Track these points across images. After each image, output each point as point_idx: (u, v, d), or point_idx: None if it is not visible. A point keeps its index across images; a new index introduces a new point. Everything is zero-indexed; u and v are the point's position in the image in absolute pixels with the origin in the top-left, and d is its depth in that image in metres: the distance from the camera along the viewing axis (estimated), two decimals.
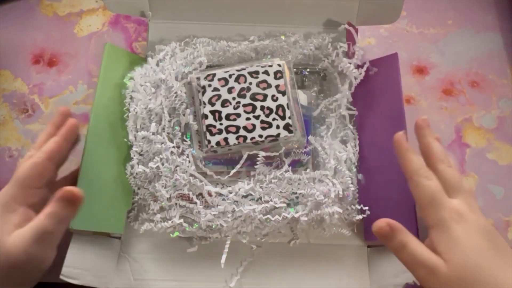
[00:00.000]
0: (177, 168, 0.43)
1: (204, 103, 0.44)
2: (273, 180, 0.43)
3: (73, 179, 0.41)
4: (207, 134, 0.43)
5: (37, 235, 0.34)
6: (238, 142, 0.43)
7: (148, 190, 0.44)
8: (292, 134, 0.43)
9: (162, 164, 0.42)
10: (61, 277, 0.39)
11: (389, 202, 0.43)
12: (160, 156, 0.43)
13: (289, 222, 0.43)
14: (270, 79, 0.44)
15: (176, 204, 0.42)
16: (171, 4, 0.51)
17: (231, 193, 0.43)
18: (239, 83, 0.44)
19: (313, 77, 0.51)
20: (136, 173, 0.43)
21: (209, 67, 0.48)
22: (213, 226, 0.42)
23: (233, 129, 0.43)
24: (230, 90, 0.44)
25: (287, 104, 0.44)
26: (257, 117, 0.43)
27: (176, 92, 0.45)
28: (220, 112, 0.44)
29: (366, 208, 0.42)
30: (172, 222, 0.41)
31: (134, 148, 0.44)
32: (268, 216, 0.41)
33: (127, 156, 0.45)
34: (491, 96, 0.55)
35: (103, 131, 0.44)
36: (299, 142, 0.44)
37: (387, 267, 0.43)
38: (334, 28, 0.51)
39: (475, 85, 0.55)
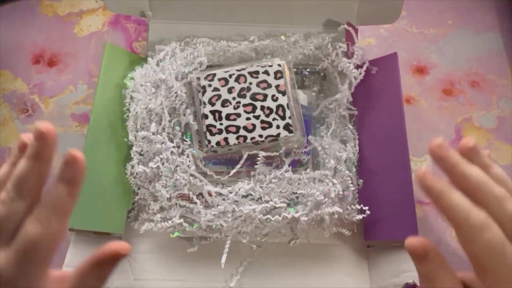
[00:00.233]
0: (177, 168, 0.43)
1: (204, 103, 0.44)
2: (273, 180, 0.43)
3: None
4: (207, 134, 0.43)
5: None
6: (238, 142, 0.43)
7: (148, 190, 0.44)
8: (292, 134, 0.43)
9: (162, 164, 0.42)
10: None
11: (389, 202, 0.43)
12: (160, 156, 0.43)
13: (289, 222, 0.43)
14: (270, 79, 0.44)
15: (176, 204, 0.42)
16: (171, 4, 0.51)
17: (231, 193, 0.43)
18: (239, 83, 0.44)
19: (313, 77, 0.51)
20: (136, 173, 0.43)
21: (209, 67, 0.48)
22: (213, 226, 0.42)
23: (233, 129, 0.43)
24: (230, 90, 0.44)
25: (287, 104, 0.44)
26: (257, 117, 0.43)
27: (176, 92, 0.45)
28: (220, 112, 0.44)
29: (366, 208, 0.42)
30: (172, 222, 0.41)
31: (134, 148, 0.44)
32: (268, 216, 0.41)
33: (127, 156, 0.45)
34: (491, 96, 0.55)
35: (103, 131, 0.44)
36: (299, 142, 0.44)
37: (387, 267, 0.43)
38: (334, 28, 0.51)
39: (475, 85, 0.55)
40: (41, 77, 0.54)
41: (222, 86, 0.44)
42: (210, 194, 0.43)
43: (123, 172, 0.44)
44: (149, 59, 0.49)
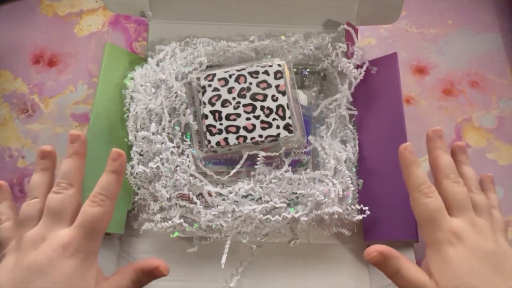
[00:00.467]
0: (177, 168, 0.43)
1: (204, 103, 0.44)
2: (273, 180, 0.43)
3: None
4: (207, 134, 0.43)
5: None
6: (238, 142, 0.43)
7: (148, 190, 0.44)
8: (292, 134, 0.43)
9: (162, 164, 0.42)
10: None
11: (389, 202, 0.43)
12: (160, 156, 0.43)
13: (289, 222, 0.43)
14: (270, 79, 0.44)
15: (176, 204, 0.42)
16: (171, 4, 0.51)
17: (231, 193, 0.43)
18: (239, 83, 0.44)
19: (313, 77, 0.51)
20: (136, 173, 0.43)
21: (209, 67, 0.48)
22: (213, 226, 0.42)
23: (233, 129, 0.43)
24: (230, 90, 0.44)
25: (287, 104, 0.44)
26: (257, 117, 0.43)
27: (176, 92, 0.45)
28: (220, 112, 0.44)
29: (366, 208, 0.42)
30: (172, 222, 0.41)
31: (134, 148, 0.44)
32: (268, 216, 0.41)
33: (127, 156, 0.45)
34: (491, 96, 0.55)
35: (103, 131, 0.44)
36: (299, 142, 0.44)
37: None
38: (334, 28, 0.51)
39: (475, 85, 0.55)
40: (41, 77, 0.54)
41: (222, 86, 0.44)
42: (210, 194, 0.43)
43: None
44: (149, 59, 0.49)
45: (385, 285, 0.42)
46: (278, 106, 0.44)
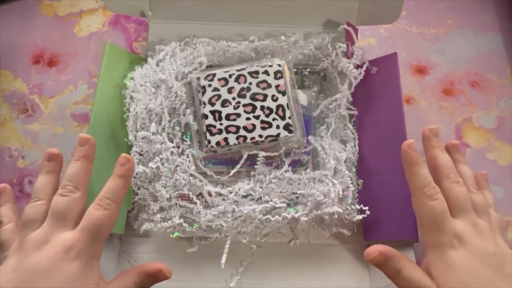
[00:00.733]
0: (177, 168, 0.43)
1: (204, 103, 0.44)
2: (273, 180, 0.43)
3: None
4: (207, 134, 0.43)
5: None
6: (238, 142, 0.43)
7: (148, 190, 0.44)
8: (292, 134, 0.43)
9: (162, 164, 0.42)
10: None
11: (389, 202, 0.43)
12: (160, 156, 0.43)
13: (289, 222, 0.43)
14: (270, 79, 0.44)
15: (176, 204, 0.42)
16: (171, 4, 0.51)
17: (231, 193, 0.43)
18: (239, 83, 0.44)
19: (313, 77, 0.51)
20: (136, 173, 0.43)
21: (209, 67, 0.48)
22: (213, 226, 0.42)
23: (233, 129, 0.43)
24: (230, 90, 0.44)
25: (287, 104, 0.44)
26: (257, 117, 0.43)
27: (176, 92, 0.45)
28: (220, 112, 0.44)
29: (366, 208, 0.42)
30: (172, 222, 0.41)
31: (134, 148, 0.44)
32: (268, 216, 0.41)
33: None
34: (491, 96, 0.55)
35: (103, 131, 0.44)
36: (299, 142, 0.44)
37: None
38: (334, 28, 0.51)
39: (475, 85, 0.55)
40: (41, 77, 0.54)
41: (222, 86, 0.44)
42: (210, 194, 0.43)
43: None
44: (149, 59, 0.49)
45: (385, 285, 0.42)
46: (278, 106, 0.44)
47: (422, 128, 0.52)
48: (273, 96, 0.44)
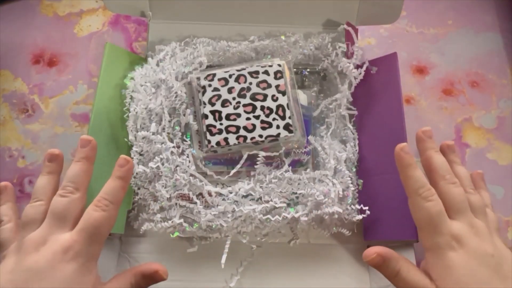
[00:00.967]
0: (177, 168, 0.43)
1: (204, 103, 0.44)
2: (273, 180, 0.43)
3: None
4: (207, 134, 0.43)
5: None
6: (238, 142, 0.43)
7: (148, 190, 0.44)
8: (292, 134, 0.43)
9: (162, 164, 0.42)
10: None
11: (389, 202, 0.43)
12: (160, 156, 0.43)
13: (289, 222, 0.43)
14: (270, 79, 0.44)
15: (176, 204, 0.42)
16: (171, 4, 0.51)
17: (231, 193, 0.43)
18: (239, 83, 0.44)
19: (313, 77, 0.51)
20: (136, 173, 0.43)
21: (209, 67, 0.48)
22: (213, 226, 0.42)
23: (233, 129, 0.43)
24: (230, 90, 0.44)
25: (287, 104, 0.44)
26: (257, 117, 0.43)
27: (176, 92, 0.45)
28: (220, 112, 0.44)
29: (366, 208, 0.42)
30: (172, 222, 0.41)
31: (134, 148, 0.44)
32: (268, 216, 0.41)
33: (127, 156, 0.45)
34: (491, 96, 0.55)
35: (104, 131, 0.44)
36: (299, 142, 0.44)
37: None
38: (334, 28, 0.51)
39: (475, 85, 0.55)
40: (41, 77, 0.54)
41: (222, 86, 0.44)
42: (210, 194, 0.43)
43: None
44: (149, 59, 0.49)
45: (385, 285, 0.42)
46: (278, 106, 0.44)
47: (422, 128, 0.53)
48: (273, 96, 0.44)
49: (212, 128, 0.43)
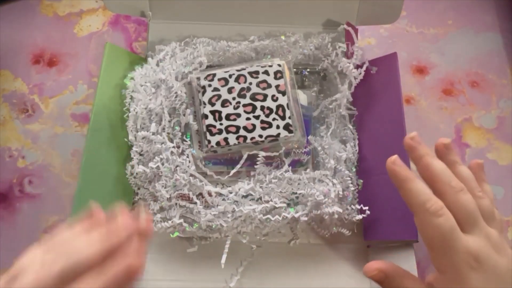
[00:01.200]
0: (177, 168, 0.43)
1: (204, 103, 0.44)
2: (273, 180, 0.43)
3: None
4: (207, 134, 0.43)
5: None
6: (238, 142, 0.43)
7: (148, 190, 0.44)
8: (292, 134, 0.43)
9: (162, 164, 0.42)
10: None
11: (389, 202, 0.43)
12: (160, 156, 0.43)
13: (289, 222, 0.43)
14: (270, 79, 0.44)
15: (176, 204, 0.42)
16: (171, 4, 0.51)
17: (231, 193, 0.43)
18: (239, 83, 0.44)
19: (313, 77, 0.51)
20: (136, 173, 0.43)
21: (209, 67, 0.48)
22: (213, 226, 0.42)
23: (233, 129, 0.43)
24: (230, 90, 0.44)
25: (287, 104, 0.44)
26: (257, 117, 0.43)
27: (176, 92, 0.45)
28: (220, 112, 0.44)
29: (366, 208, 0.42)
30: (172, 222, 0.41)
31: (134, 148, 0.44)
32: (268, 216, 0.41)
33: (127, 156, 0.45)
34: (491, 96, 0.55)
35: (104, 131, 0.44)
36: (299, 142, 0.44)
37: None
38: (334, 28, 0.51)
39: (475, 85, 0.55)
40: (41, 77, 0.54)
41: (222, 86, 0.44)
42: (210, 194, 0.43)
43: (123, 172, 0.44)
44: (149, 59, 0.49)
45: None
46: (278, 106, 0.44)
47: (422, 128, 0.53)
48: (273, 96, 0.44)
49: (212, 128, 0.43)
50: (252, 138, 0.43)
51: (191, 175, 0.43)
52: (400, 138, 0.44)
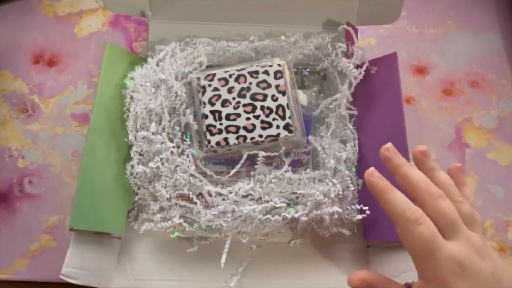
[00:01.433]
0: (177, 168, 0.43)
1: (204, 103, 0.44)
2: (273, 180, 0.43)
3: None
4: (207, 134, 0.43)
5: None
6: (238, 142, 0.43)
7: (148, 190, 0.44)
8: (292, 134, 0.43)
9: (162, 164, 0.42)
10: (61, 277, 0.39)
11: None
12: (160, 156, 0.43)
13: (289, 222, 0.43)
14: (270, 79, 0.44)
15: (176, 204, 0.42)
16: (171, 4, 0.51)
17: (231, 193, 0.43)
18: (239, 83, 0.44)
19: (313, 77, 0.51)
20: (136, 173, 0.43)
21: (209, 67, 0.48)
22: (213, 226, 0.42)
23: (233, 129, 0.43)
24: (230, 90, 0.44)
25: (287, 104, 0.44)
26: (257, 117, 0.43)
27: (176, 92, 0.45)
28: (220, 112, 0.44)
29: (366, 208, 0.42)
30: (172, 222, 0.41)
31: (134, 148, 0.44)
32: (268, 216, 0.41)
33: (127, 156, 0.45)
34: (491, 96, 0.55)
35: (104, 131, 0.44)
36: (299, 142, 0.44)
37: (387, 267, 0.43)
38: (334, 28, 0.51)
39: (475, 85, 0.55)
40: (41, 77, 0.54)
41: (222, 86, 0.44)
42: (210, 194, 0.43)
43: (123, 172, 0.45)
44: (149, 59, 0.49)
45: None
46: (278, 106, 0.44)
47: (422, 128, 0.53)
48: (273, 96, 0.44)
49: (212, 128, 0.43)
50: (252, 138, 0.43)
51: (191, 175, 0.43)
52: (400, 138, 0.44)
